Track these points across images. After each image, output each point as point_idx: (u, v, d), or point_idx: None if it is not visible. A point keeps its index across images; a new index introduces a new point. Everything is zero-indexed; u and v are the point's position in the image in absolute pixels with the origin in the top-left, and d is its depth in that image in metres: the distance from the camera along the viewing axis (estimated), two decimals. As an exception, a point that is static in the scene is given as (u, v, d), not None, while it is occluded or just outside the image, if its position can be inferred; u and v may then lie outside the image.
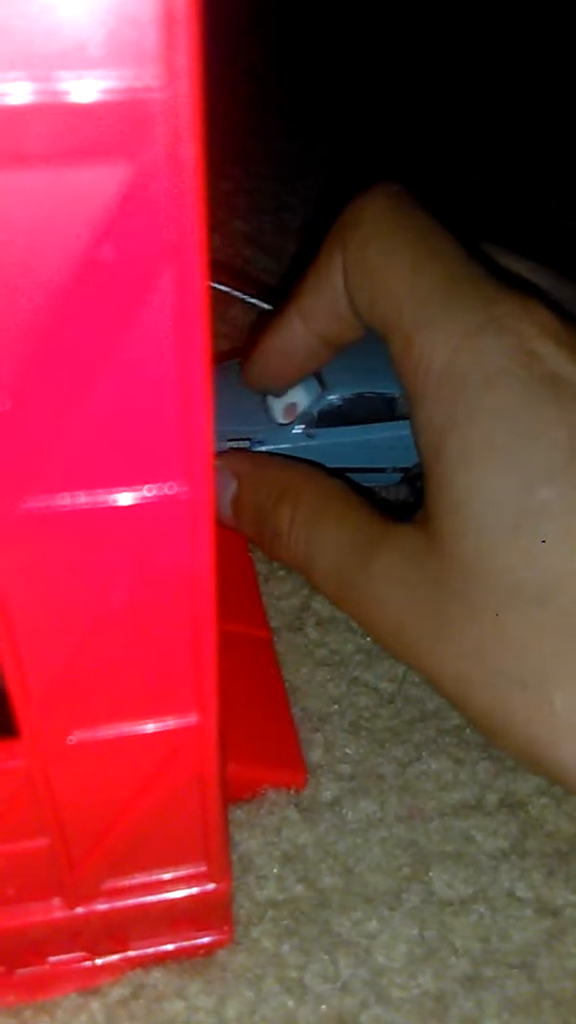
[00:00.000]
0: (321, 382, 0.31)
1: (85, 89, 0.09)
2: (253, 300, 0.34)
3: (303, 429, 0.31)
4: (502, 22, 0.56)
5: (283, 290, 0.39)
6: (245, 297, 0.34)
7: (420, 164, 0.51)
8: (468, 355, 0.22)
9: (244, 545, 0.31)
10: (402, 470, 0.32)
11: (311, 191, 0.50)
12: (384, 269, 0.24)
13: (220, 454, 0.30)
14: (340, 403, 0.31)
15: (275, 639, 0.28)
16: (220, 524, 0.29)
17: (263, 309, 0.34)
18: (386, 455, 0.31)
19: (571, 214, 0.47)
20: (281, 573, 0.31)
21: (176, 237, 0.10)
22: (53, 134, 0.10)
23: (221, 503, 0.28)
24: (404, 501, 0.33)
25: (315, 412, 0.31)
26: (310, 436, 0.31)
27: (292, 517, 0.26)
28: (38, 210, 0.10)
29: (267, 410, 0.32)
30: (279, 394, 0.31)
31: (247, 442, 0.31)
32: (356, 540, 0.25)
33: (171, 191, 0.10)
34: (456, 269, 0.23)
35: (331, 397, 0.31)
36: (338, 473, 0.28)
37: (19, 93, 0.09)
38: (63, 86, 0.09)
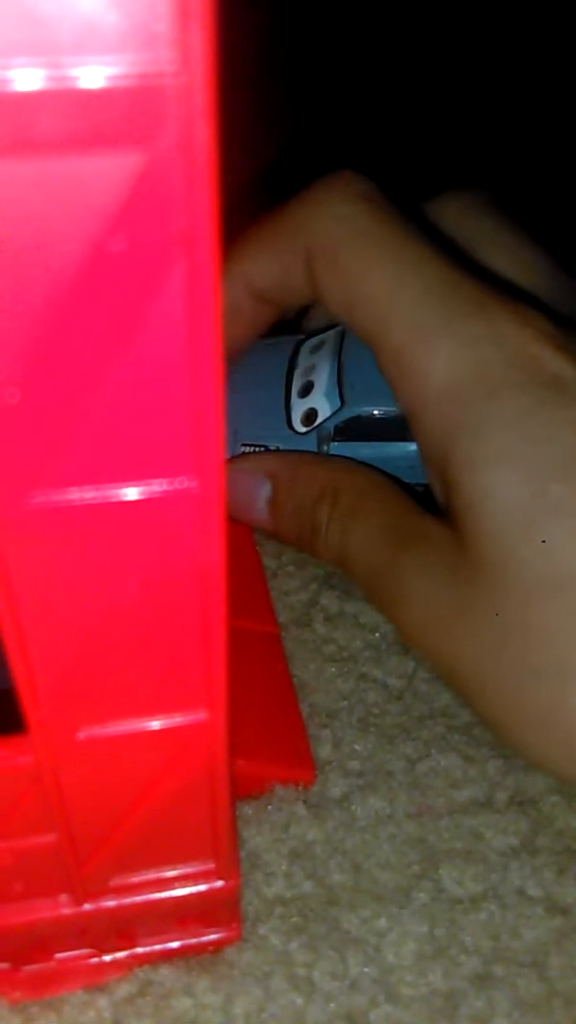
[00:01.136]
0: (342, 396, 0.30)
1: (96, 75, 0.09)
2: None
3: (318, 442, 0.31)
4: (514, 21, 0.56)
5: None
6: None
7: (423, 159, 0.51)
8: (468, 367, 0.22)
9: (251, 540, 0.31)
10: (421, 486, 0.32)
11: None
12: (364, 277, 0.24)
13: (250, 456, 0.29)
14: (358, 418, 0.30)
15: (283, 635, 0.28)
16: (257, 527, 0.29)
17: None
18: (406, 472, 0.31)
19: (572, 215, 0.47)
20: (289, 568, 0.31)
21: (188, 227, 0.10)
22: (63, 121, 0.09)
23: (256, 505, 0.28)
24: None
25: (332, 427, 0.30)
26: (325, 449, 0.31)
27: (330, 513, 0.26)
28: (48, 199, 0.10)
29: (288, 413, 0.31)
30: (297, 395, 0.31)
31: (262, 448, 0.31)
32: (389, 534, 0.25)
33: (184, 180, 0.10)
34: (443, 277, 0.23)
35: (349, 412, 0.30)
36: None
37: (28, 79, 0.09)
38: (73, 72, 0.09)
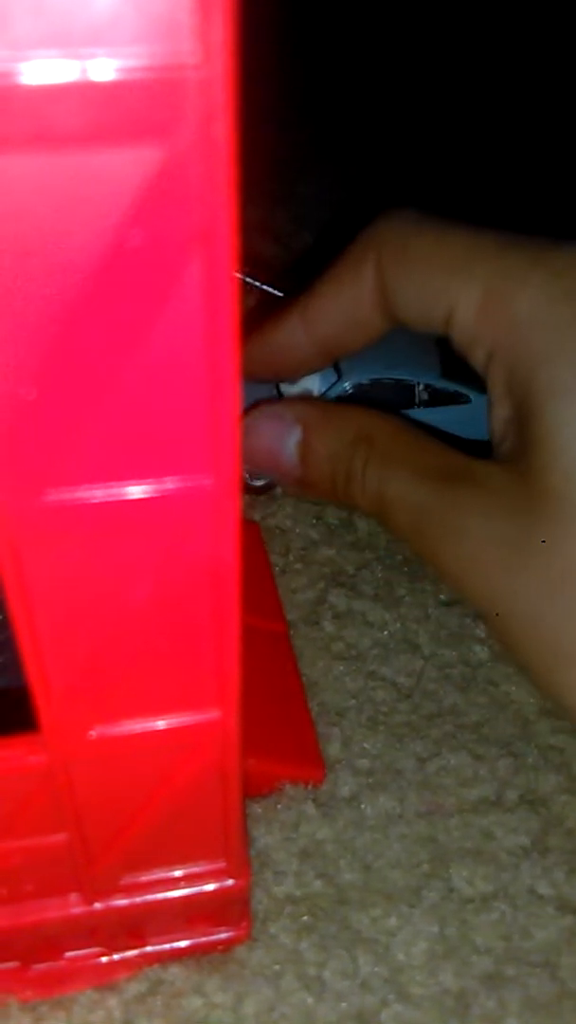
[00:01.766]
0: (337, 369, 0.30)
1: (115, 67, 0.09)
2: (264, 287, 0.34)
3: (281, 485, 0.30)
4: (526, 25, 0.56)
5: (292, 275, 0.38)
6: (254, 283, 0.34)
7: (430, 159, 0.51)
8: (558, 295, 0.22)
9: (259, 537, 0.31)
10: None
11: (323, 180, 0.50)
12: (439, 245, 0.24)
13: (273, 402, 0.28)
14: (354, 390, 0.30)
15: (291, 633, 0.28)
16: (282, 478, 0.28)
17: (271, 294, 0.33)
18: None
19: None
20: (297, 566, 0.30)
21: (207, 223, 0.10)
22: (81, 115, 0.09)
23: (284, 453, 0.28)
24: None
25: (334, 399, 0.30)
26: None
27: (368, 456, 0.25)
28: (66, 193, 0.10)
29: (280, 397, 0.31)
30: (292, 382, 0.31)
31: None
32: (436, 475, 0.24)
33: (203, 175, 0.10)
34: (510, 237, 0.24)
35: (345, 384, 0.30)
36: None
37: (46, 72, 0.09)
38: (92, 64, 0.09)
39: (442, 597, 0.30)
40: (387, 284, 0.26)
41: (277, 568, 0.30)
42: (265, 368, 0.29)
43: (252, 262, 0.43)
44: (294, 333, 0.28)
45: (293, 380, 0.31)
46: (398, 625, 0.29)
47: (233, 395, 0.12)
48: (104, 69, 0.09)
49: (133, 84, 0.09)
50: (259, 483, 0.32)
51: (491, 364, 0.24)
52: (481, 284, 0.23)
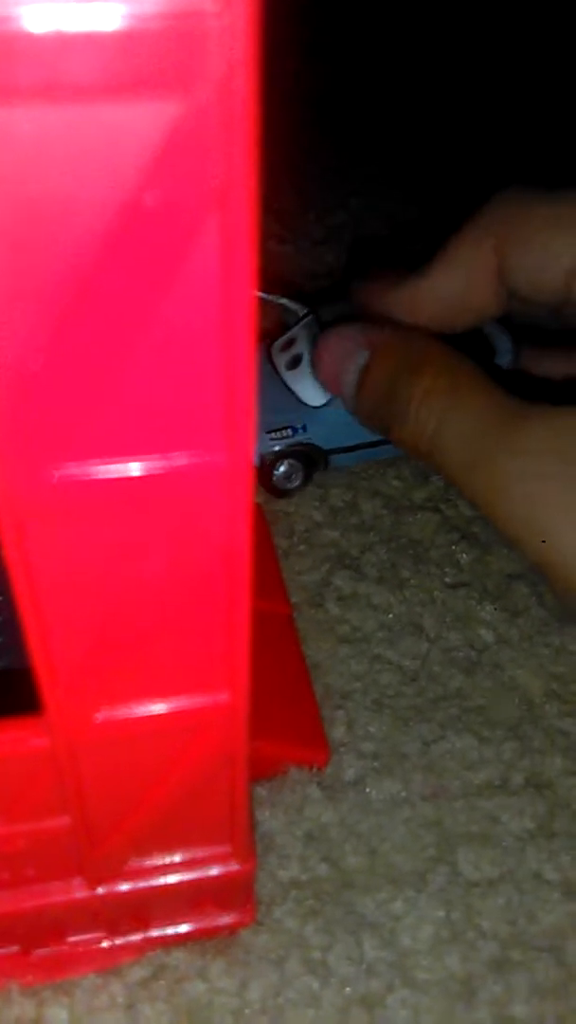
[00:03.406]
0: None
1: (129, 13, 0.08)
2: (282, 300, 0.33)
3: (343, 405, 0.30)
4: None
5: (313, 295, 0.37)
6: (273, 299, 0.33)
7: (435, 135, 0.50)
8: None
9: (263, 519, 0.31)
10: None
11: (329, 160, 0.49)
12: (553, 222, 0.25)
13: (353, 323, 0.28)
14: None
15: (296, 615, 0.28)
16: (341, 399, 0.28)
17: (292, 310, 0.32)
18: None
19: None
20: (301, 548, 0.30)
21: (226, 181, 0.10)
22: (95, 64, 0.09)
23: (346, 374, 0.27)
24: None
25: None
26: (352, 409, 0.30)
27: (429, 388, 0.25)
28: (78, 149, 0.09)
29: (295, 395, 0.31)
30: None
31: (288, 431, 0.30)
32: (497, 414, 0.24)
33: (223, 130, 0.09)
34: None
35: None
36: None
37: (54, 17, 0.08)
38: (104, 9, 0.08)
39: (447, 580, 0.29)
40: (507, 257, 0.26)
41: (281, 550, 0.30)
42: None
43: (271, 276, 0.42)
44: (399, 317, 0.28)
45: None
46: (403, 608, 0.28)
47: (248, 368, 0.11)
48: (116, 15, 0.08)
49: (149, 33, 0.09)
50: (291, 486, 0.31)
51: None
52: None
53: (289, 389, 0.31)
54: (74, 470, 0.12)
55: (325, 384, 0.29)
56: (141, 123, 0.09)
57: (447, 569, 0.29)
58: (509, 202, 0.26)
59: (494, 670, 0.27)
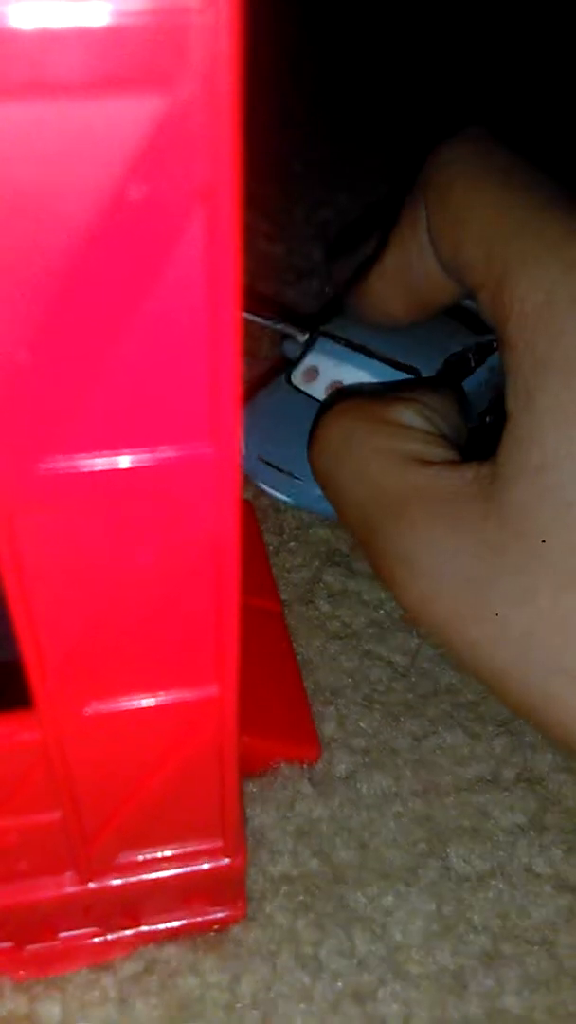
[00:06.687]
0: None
1: (114, 10, 0.09)
2: (279, 326, 0.32)
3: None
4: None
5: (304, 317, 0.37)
6: (268, 323, 0.33)
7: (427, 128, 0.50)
8: (566, 293, 0.20)
9: (252, 515, 0.31)
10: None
11: (320, 155, 0.49)
12: (469, 210, 0.22)
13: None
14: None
15: (286, 612, 0.28)
16: None
17: (292, 335, 0.32)
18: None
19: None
20: (292, 545, 0.30)
21: (210, 177, 0.10)
22: (78, 61, 0.09)
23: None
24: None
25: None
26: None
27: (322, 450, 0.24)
28: (61, 144, 0.09)
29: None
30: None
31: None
32: (391, 482, 0.22)
33: (207, 126, 0.09)
34: (547, 200, 0.21)
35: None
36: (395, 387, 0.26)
37: (39, 14, 0.08)
38: (89, 6, 0.09)
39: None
40: (434, 237, 0.24)
41: (271, 547, 0.30)
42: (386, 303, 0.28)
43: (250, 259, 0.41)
44: (381, 289, 0.27)
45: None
46: (393, 604, 0.28)
47: (234, 360, 0.11)
48: (100, 11, 0.09)
49: (132, 29, 0.09)
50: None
51: (501, 358, 0.22)
52: (499, 266, 0.21)
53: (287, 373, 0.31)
54: (60, 463, 0.12)
55: None
56: (125, 118, 0.09)
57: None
58: (440, 169, 0.24)
59: (485, 666, 0.27)
